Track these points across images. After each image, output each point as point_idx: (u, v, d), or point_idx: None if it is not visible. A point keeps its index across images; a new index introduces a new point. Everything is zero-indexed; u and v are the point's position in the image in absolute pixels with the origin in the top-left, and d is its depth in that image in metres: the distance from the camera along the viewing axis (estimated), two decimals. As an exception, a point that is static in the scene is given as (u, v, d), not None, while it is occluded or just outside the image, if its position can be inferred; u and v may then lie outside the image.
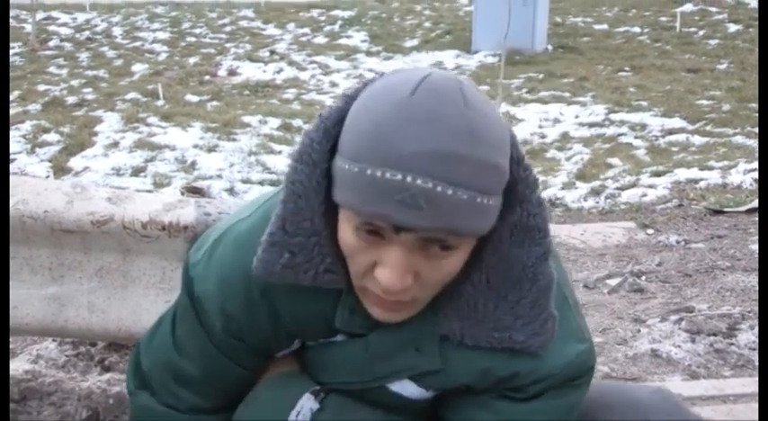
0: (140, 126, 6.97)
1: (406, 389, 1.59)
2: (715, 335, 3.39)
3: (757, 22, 10.91)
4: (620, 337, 3.34)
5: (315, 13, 13.14)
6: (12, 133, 6.43)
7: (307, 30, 11.88)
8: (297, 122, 7.18)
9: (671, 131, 6.92)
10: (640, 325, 3.47)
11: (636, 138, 6.85)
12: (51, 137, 6.60)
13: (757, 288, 3.75)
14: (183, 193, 5.09)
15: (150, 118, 7.19)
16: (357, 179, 1.28)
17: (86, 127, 6.90)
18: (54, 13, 12.38)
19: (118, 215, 2.11)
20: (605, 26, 11.90)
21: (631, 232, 4.71)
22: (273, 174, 5.89)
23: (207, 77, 9.15)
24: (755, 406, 2.79)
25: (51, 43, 10.63)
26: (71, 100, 7.96)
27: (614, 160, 6.16)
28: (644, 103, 7.77)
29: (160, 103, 7.85)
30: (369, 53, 10.45)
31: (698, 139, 6.67)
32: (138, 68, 9.45)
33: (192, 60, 9.92)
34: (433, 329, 1.49)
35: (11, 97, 7.66)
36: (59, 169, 5.88)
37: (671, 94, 8.19)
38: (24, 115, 7.24)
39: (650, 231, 4.72)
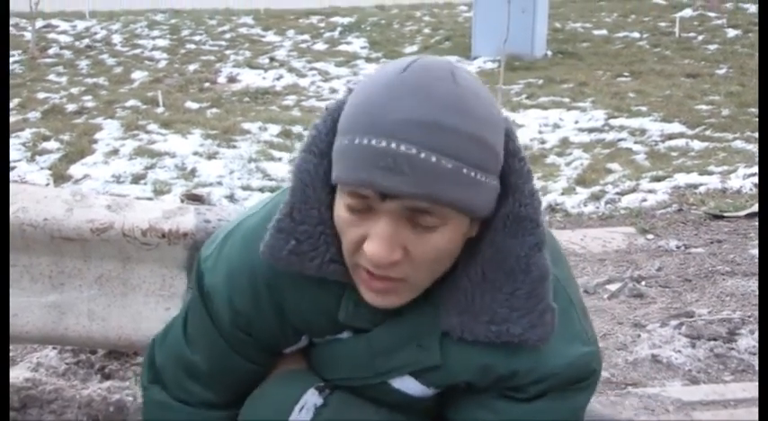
0: (140, 133, 6.97)
1: (408, 385, 1.60)
2: (715, 339, 3.39)
3: (756, 27, 10.92)
4: (621, 342, 3.34)
5: (314, 19, 13.16)
6: (12, 141, 6.43)
7: (306, 36, 11.89)
8: (297, 129, 7.19)
9: (670, 136, 6.92)
10: (640, 330, 3.47)
11: (635, 143, 6.86)
12: (51, 144, 6.60)
13: (757, 292, 3.75)
14: (182, 201, 5.09)
15: (150, 125, 7.19)
16: (345, 150, 1.32)
17: (86, 134, 6.90)
18: (54, 21, 12.40)
19: (118, 223, 2.11)
20: (604, 31, 11.91)
21: (631, 237, 4.71)
22: (273, 181, 5.89)
23: (207, 84, 9.16)
24: (756, 410, 2.79)
25: (51, 51, 10.64)
26: (71, 107, 7.96)
27: (614, 165, 6.16)
28: (643, 109, 7.78)
29: (160, 110, 7.86)
30: (368, 59, 10.46)
31: (697, 144, 6.68)
32: (138, 76, 9.46)
33: (191, 67, 9.93)
34: (433, 325, 1.51)
35: (11, 105, 7.66)
36: (59, 177, 5.89)
37: (670, 99, 8.19)
38: (24, 123, 7.25)
39: (650, 236, 4.72)
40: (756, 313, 3.53)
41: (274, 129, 7.18)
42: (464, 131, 1.29)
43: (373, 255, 1.33)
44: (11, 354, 2.82)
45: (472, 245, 1.43)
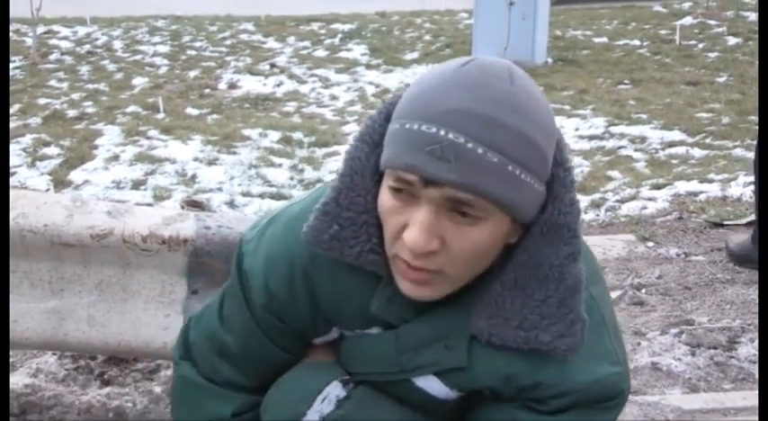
0: (141, 139, 6.97)
1: (432, 385, 1.61)
2: (715, 348, 3.39)
3: (757, 35, 10.93)
4: (621, 350, 3.34)
5: (315, 26, 13.16)
6: (12, 146, 6.43)
7: (307, 43, 11.89)
8: (297, 135, 7.18)
9: (671, 144, 6.92)
10: (640, 338, 3.47)
11: (636, 150, 6.85)
12: (51, 150, 6.60)
13: (757, 301, 3.75)
14: (182, 207, 5.09)
15: (150, 131, 7.19)
16: (396, 134, 1.36)
17: (87, 140, 6.90)
18: (55, 27, 12.40)
19: (118, 229, 2.11)
20: (605, 39, 11.91)
21: (631, 245, 4.71)
22: (274, 187, 5.89)
23: (207, 90, 9.15)
24: (756, 419, 2.79)
25: (52, 57, 10.63)
26: (71, 113, 7.96)
27: (614, 173, 6.16)
28: (644, 116, 7.78)
29: (160, 116, 7.85)
30: (369, 66, 10.46)
31: (698, 152, 6.68)
32: (139, 82, 9.45)
33: (192, 73, 9.92)
34: (463, 327, 1.52)
35: (11, 111, 7.66)
36: (60, 182, 5.88)
37: (671, 106, 8.19)
38: (25, 128, 7.24)
39: (650, 244, 4.72)
40: (756, 321, 3.53)
41: (275, 135, 7.17)
42: (514, 129, 1.31)
43: (411, 243, 1.34)
44: (10, 360, 2.81)
45: (506, 250, 1.45)
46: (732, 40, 11.22)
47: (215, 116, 8.02)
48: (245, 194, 5.73)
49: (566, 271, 1.44)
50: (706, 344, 3.41)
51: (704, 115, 7.82)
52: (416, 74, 9.99)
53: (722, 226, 4.95)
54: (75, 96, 8.68)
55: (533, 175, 1.35)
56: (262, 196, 5.69)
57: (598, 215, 5.34)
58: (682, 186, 5.61)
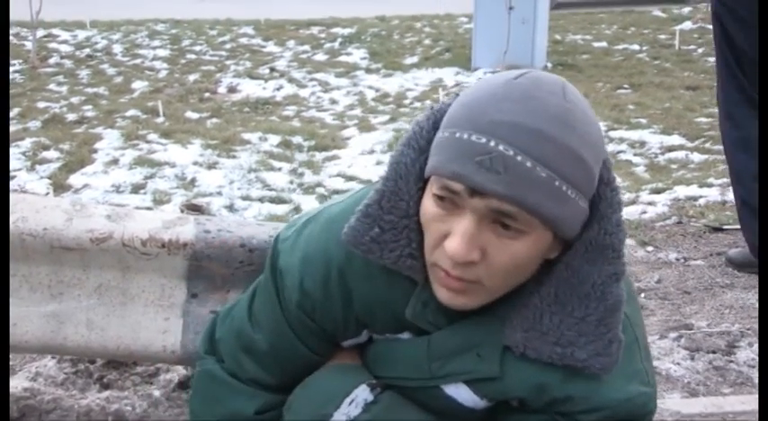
0: (140, 143, 6.97)
1: (461, 394, 1.62)
2: (714, 352, 3.39)
3: (756, 40, 10.92)
4: (620, 355, 3.34)
5: (315, 30, 13.17)
6: (11, 150, 6.43)
7: (307, 47, 11.90)
8: (297, 139, 7.18)
9: (670, 148, 6.92)
10: (640, 342, 3.46)
11: (635, 155, 6.86)
12: (51, 154, 6.60)
13: (756, 305, 3.75)
14: (182, 211, 5.09)
15: (150, 135, 7.19)
16: (445, 142, 1.36)
17: (86, 144, 6.90)
18: (54, 31, 12.40)
19: (117, 232, 2.11)
20: (604, 44, 11.92)
21: (631, 249, 4.71)
22: (273, 191, 5.89)
23: (207, 94, 9.15)
24: (755, 423, 2.79)
25: (51, 60, 10.64)
26: (71, 117, 7.96)
27: (614, 177, 6.16)
28: (643, 121, 7.78)
29: (160, 120, 7.85)
30: (368, 70, 10.46)
31: (697, 157, 6.68)
32: (138, 85, 9.45)
33: (191, 77, 9.93)
34: (497, 338, 1.53)
35: (10, 114, 7.66)
36: (59, 186, 5.88)
37: (670, 111, 8.19)
38: (24, 132, 7.24)
39: (649, 248, 4.73)
40: (755, 326, 3.53)
41: (274, 139, 7.17)
42: (565, 145, 1.31)
43: (452, 252, 1.35)
44: (10, 364, 2.81)
45: (546, 265, 1.45)
46: (731, 45, 11.21)
47: (215, 120, 8.02)
48: (244, 198, 5.73)
49: (607, 290, 1.45)
50: (705, 349, 3.41)
51: (704, 120, 7.82)
52: (416, 78, 10.00)
53: (721, 230, 4.95)
54: (75, 100, 8.68)
55: (579, 192, 1.35)
56: (261, 200, 5.69)
57: (597, 219, 5.33)
58: (681, 191, 5.61)
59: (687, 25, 12.83)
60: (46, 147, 6.75)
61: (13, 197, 2.13)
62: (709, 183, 5.75)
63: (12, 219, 2.08)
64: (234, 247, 2.12)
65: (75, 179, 6.06)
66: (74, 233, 2.10)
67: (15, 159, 6.35)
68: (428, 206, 1.40)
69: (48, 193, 5.65)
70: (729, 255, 4.44)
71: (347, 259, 1.58)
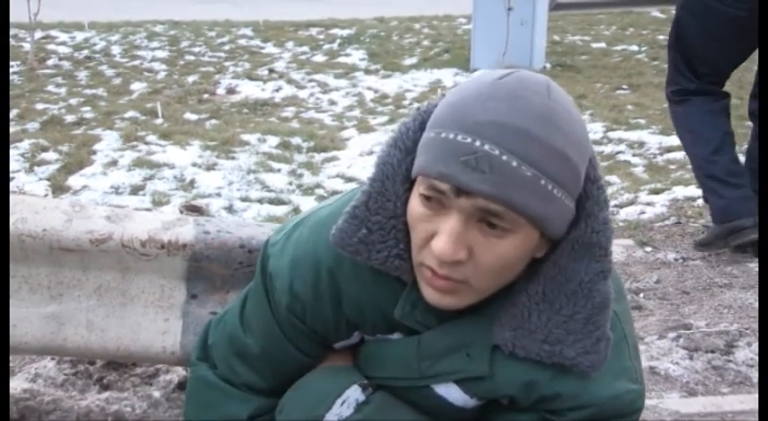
0: (139, 144, 6.97)
1: (451, 393, 1.62)
2: (713, 352, 3.39)
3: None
4: (619, 355, 3.34)
5: (314, 31, 13.17)
6: (10, 152, 6.43)
7: (305, 48, 11.89)
8: (296, 140, 7.19)
9: (669, 149, 6.92)
10: (638, 342, 3.46)
11: (634, 155, 6.86)
12: (50, 155, 6.60)
13: (755, 305, 3.76)
14: (182, 211, 5.10)
15: (149, 136, 7.19)
16: (431, 142, 1.37)
17: (85, 145, 6.90)
18: (53, 32, 12.39)
19: (117, 233, 2.11)
20: (603, 44, 11.92)
21: (629, 250, 4.71)
22: (272, 192, 5.90)
23: (206, 96, 9.15)
24: (754, 422, 2.80)
25: (50, 62, 10.63)
26: (70, 118, 7.95)
27: (612, 178, 6.17)
28: (642, 121, 7.78)
29: (159, 121, 7.85)
30: (367, 71, 10.46)
31: (696, 157, 6.66)
32: (137, 87, 9.45)
33: (190, 79, 9.92)
34: (485, 336, 1.53)
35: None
36: (58, 188, 5.88)
37: (669, 111, 8.18)
38: (23, 134, 7.24)
39: (648, 249, 4.73)
40: (754, 325, 3.53)
41: (273, 140, 7.18)
42: (550, 144, 1.32)
43: (439, 251, 1.36)
44: (9, 365, 2.81)
45: (534, 264, 1.45)
46: (730, 45, 11.21)
47: (213, 121, 8.02)
48: (243, 199, 5.73)
49: (595, 288, 1.45)
50: (704, 348, 3.42)
51: (702, 120, 7.81)
52: (415, 79, 10.01)
53: (720, 230, 4.95)
54: (74, 101, 8.67)
55: (565, 191, 1.36)
56: (260, 201, 5.69)
57: (596, 220, 5.33)
58: (680, 191, 5.62)
59: (686, 26, 12.82)
60: (45, 149, 6.75)
61: (12, 198, 2.14)
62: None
63: (11, 220, 2.08)
64: (233, 248, 2.12)
65: (73, 180, 6.07)
66: (73, 234, 2.10)
67: (14, 161, 6.35)
68: (415, 206, 1.41)
69: (46, 195, 5.65)
70: (701, 242, 4.63)
71: (336, 261, 1.59)
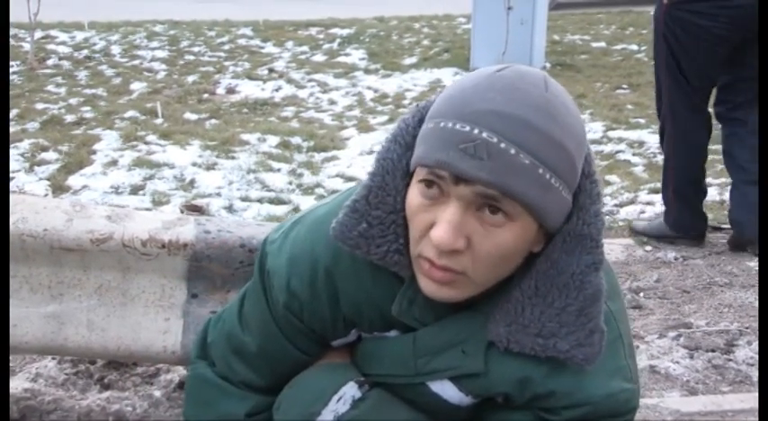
0: (139, 144, 6.96)
1: (446, 391, 1.63)
2: (713, 351, 3.39)
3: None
4: (619, 354, 3.34)
5: (313, 31, 13.17)
6: (10, 152, 6.42)
7: (305, 48, 11.89)
8: (296, 140, 7.18)
9: (668, 148, 6.91)
10: (639, 341, 3.47)
11: (634, 155, 6.86)
12: (50, 155, 6.60)
13: (755, 304, 3.76)
14: (182, 211, 5.10)
15: (149, 136, 7.19)
16: (430, 132, 1.38)
17: (85, 145, 6.90)
18: (52, 32, 12.39)
19: (117, 233, 2.12)
20: (603, 44, 11.93)
21: (630, 249, 4.72)
22: (272, 192, 5.89)
23: (205, 95, 9.15)
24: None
25: (50, 62, 10.63)
26: (69, 118, 7.95)
27: (612, 177, 6.17)
28: (642, 121, 7.78)
29: (159, 121, 7.85)
30: (367, 71, 10.46)
31: (695, 156, 6.66)
32: (137, 87, 9.45)
33: (190, 78, 9.92)
34: (480, 333, 1.54)
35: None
36: (58, 188, 5.88)
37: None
38: (23, 134, 7.23)
39: (648, 248, 4.73)
40: (754, 324, 3.53)
41: (273, 140, 7.17)
42: (548, 133, 1.33)
43: (438, 239, 1.36)
44: (10, 365, 2.82)
45: (528, 259, 1.45)
46: (729, 45, 11.22)
47: (213, 121, 8.02)
48: (243, 199, 5.73)
49: (586, 280, 1.45)
50: (704, 348, 3.42)
51: (702, 119, 7.81)
52: (414, 78, 10.01)
53: (720, 230, 4.96)
54: (74, 101, 8.67)
55: (562, 182, 1.36)
56: (260, 201, 5.69)
57: (596, 219, 5.33)
58: (680, 190, 5.61)
59: (685, 25, 12.81)
60: (44, 149, 6.75)
61: (12, 198, 2.14)
62: (707, 182, 5.75)
63: (12, 220, 2.08)
64: (234, 248, 2.12)
65: (73, 180, 6.06)
66: (74, 234, 2.10)
67: (14, 161, 6.35)
68: (413, 197, 1.41)
69: (46, 195, 5.65)
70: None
71: (334, 259, 1.59)
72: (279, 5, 15.41)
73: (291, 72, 10.37)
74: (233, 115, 8.32)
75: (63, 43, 11.85)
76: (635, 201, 5.55)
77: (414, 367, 1.61)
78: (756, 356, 3.28)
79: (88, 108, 8.39)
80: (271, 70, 10.43)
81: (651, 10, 13.11)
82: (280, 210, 5.49)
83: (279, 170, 6.40)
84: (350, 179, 6.18)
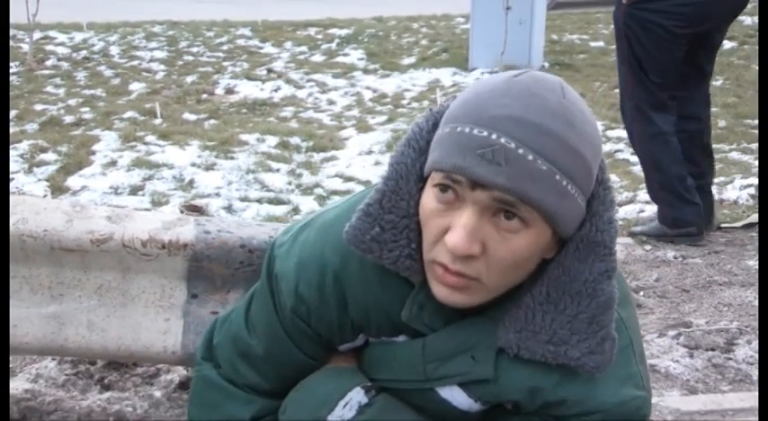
0: (138, 145, 6.97)
1: (455, 397, 1.62)
2: (713, 350, 3.39)
3: (753, 39, 10.94)
4: (619, 353, 3.34)
5: (312, 31, 13.17)
6: (9, 152, 6.42)
7: (304, 48, 11.90)
8: (294, 140, 7.19)
9: (667, 147, 6.90)
10: (638, 340, 3.46)
11: (632, 154, 6.84)
12: (49, 156, 6.60)
13: (755, 303, 3.76)
14: (182, 211, 5.10)
15: (148, 137, 7.19)
16: (446, 137, 1.38)
17: (84, 146, 6.90)
18: (51, 33, 12.39)
19: (117, 233, 2.11)
20: (601, 43, 11.92)
21: (629, 248, 4.72)
22: (272, 192, 5.89)
23: (204, 96, 9.15)
24: (753, 420, 2.80)
25: (48, 62, 10.63)
26: (68, 119, 7.95)
27: (611, 176, 6.16)
28: (640, 120, 7.76)
29: (158, 121, 7.85)
30: (366, 71, 10.47)
31: (694, 155, 6.66)
32: (136, 87, 9.45)
33: (189, 79, 9.93)
34: (491, 340, 1.53)
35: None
36: (57, 188, 5.88)
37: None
38: (22, 134, 7.23)
39: (648, 247, 4.73)
40: (754, 323, 3.53)
41: (272, 140, 7.18)
42: (565, 140, 1.33)
43: (453, 244, 1.35)
44: (10, 366, 2.82)
45: (540, 265, 1.45)
46: (727, 44, 11.22)
47: (212, 121, 8.02)
48: (243, 199, 5.73)
49: (599, 287, 1.45)
50: (704, 346, 3.42)
51: (700, 118, 7.81)
52: (413, 78, 10.01)
53: (719, 229, 4.96)
54: (72, 102, 8.67)
55: (578, 189, 1.36)
56: (260, 201, 5.69)
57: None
58: (678, 189, 5.61)
59: (684, 24, 12.81)
60: (44, 150, 6.75)
61: (12, 199, 2.14)
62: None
63: (12, 220, 2.08)
64: (234, 248, 2.12)
65: (73, 181, 6.07)
66: (74, 234, 2.10)
67: (13, 162, 6.35)
68: (427, 201, 1.41)
69: (46, 196, 5.65)
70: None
71: (342, 264, 1.58)
72: (277, 6, 15.42)
73: (290, 72, 10.37)
74: (232, 115, 8.33)
75: (62, 44, 11.85)
76: (634, 201, 5.55)
77: (423, 372, 1.60)
78: (756, 355, 3.28)
79: (87, 109, 8.40)
80: (269, 70, 10.43)
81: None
82: (279, 210, 5.49)
83: (278, 170, 6.40)
84: (349, 179, 6.18)
